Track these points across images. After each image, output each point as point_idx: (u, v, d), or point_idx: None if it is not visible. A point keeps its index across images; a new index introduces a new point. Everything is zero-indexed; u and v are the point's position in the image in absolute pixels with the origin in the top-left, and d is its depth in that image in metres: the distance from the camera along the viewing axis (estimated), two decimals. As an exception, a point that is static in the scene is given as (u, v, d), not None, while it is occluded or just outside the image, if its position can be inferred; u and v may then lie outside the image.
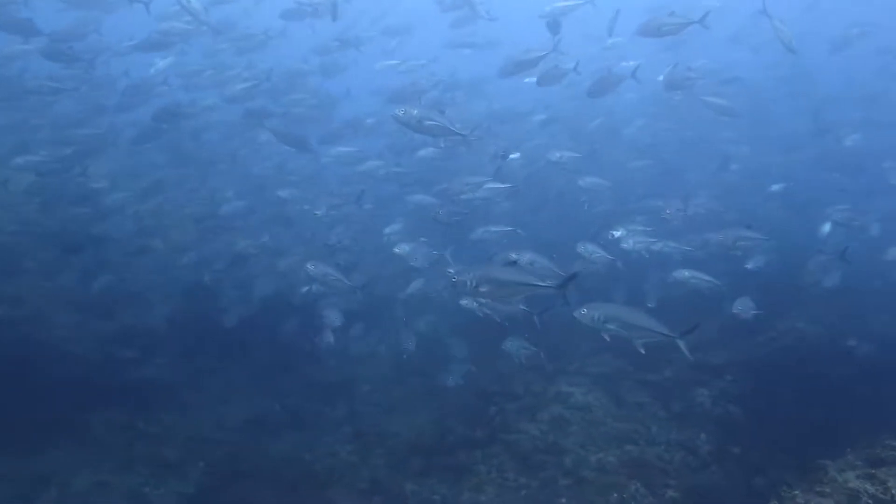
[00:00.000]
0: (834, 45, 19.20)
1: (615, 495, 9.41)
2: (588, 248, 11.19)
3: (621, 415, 11.09)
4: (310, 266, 10.79)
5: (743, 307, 11.06)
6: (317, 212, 13.08)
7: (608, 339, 8.50)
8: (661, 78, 13.25)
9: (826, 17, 21.85)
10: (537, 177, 15.44)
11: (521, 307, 9.29)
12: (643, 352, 8.34)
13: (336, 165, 15.85)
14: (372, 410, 12.30)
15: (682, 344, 8.17)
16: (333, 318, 12.08)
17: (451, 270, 9.43)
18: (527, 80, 14.53)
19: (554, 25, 12.36)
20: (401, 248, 11.69)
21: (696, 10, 11.22)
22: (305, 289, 13.04)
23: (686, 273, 11.65)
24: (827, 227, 13.91)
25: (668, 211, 12.68)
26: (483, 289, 8.37)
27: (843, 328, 12.52)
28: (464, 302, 10.71)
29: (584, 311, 8.35)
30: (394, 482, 10.44)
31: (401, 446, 11.18)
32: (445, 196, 12.00)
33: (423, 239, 11.88)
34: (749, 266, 12.21)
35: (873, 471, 6.57)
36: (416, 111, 9.53)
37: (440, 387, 11.47)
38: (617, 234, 11.61)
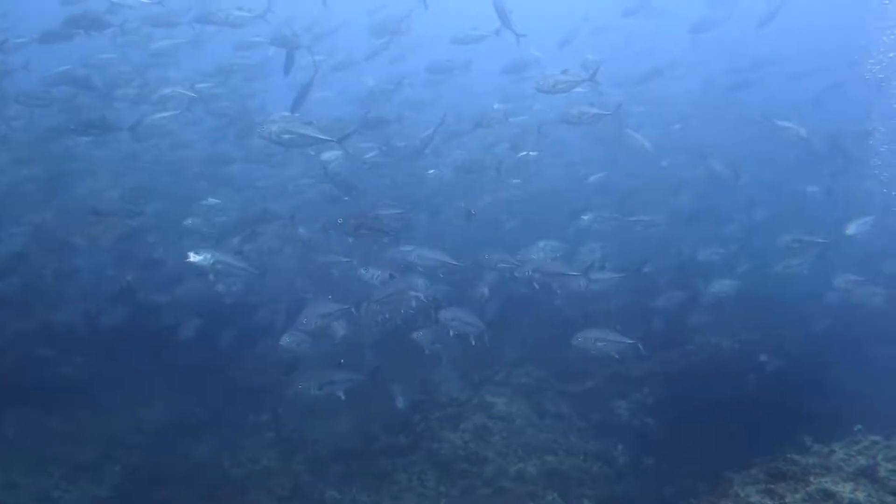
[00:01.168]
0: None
1: (532, 505, 9.60)
2: (496, 257, 11.35)
3: (542, 425, 11.32)
4: (193, 254, 9.36)
5: (583, 338, 9.94)
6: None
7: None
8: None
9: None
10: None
11: None
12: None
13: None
14: (295, 415, 12.19)
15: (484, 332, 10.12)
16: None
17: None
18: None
19: (504, 15, 12.36)
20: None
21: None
22: (220, 287, 12.80)
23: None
24: None
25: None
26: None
27: (758, 343, 12.99)
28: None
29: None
30: (315, 489, 10.43)
31: (323, 452, 11.17)
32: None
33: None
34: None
35: (773, 486, 6.82)
36: (275, 127, 9.73)
37: (365, 393, 11.45)
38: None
